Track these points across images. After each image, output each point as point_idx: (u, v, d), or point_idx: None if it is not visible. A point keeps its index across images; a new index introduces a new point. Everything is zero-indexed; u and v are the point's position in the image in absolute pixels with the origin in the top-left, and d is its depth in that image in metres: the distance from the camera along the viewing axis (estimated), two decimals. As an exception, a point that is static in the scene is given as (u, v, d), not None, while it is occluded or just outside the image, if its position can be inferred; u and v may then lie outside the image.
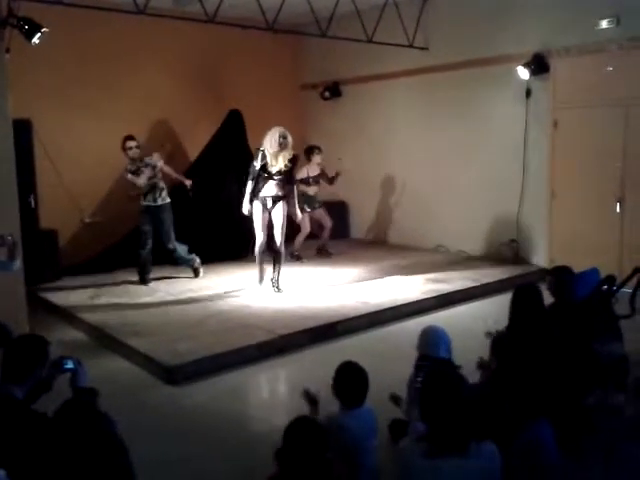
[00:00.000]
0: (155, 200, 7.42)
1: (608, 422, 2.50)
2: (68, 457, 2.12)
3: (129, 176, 7.35)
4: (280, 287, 7.04)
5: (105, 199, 8.85)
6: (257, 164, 6.69)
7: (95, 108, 8.62)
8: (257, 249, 6.98)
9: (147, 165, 7.37)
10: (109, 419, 2.28)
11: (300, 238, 8.92)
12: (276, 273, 7.02)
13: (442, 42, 8.77)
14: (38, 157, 7.80)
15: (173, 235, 7.55)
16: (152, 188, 7.39)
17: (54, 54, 7.92)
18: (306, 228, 8.89)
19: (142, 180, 7.30)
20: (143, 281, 7.54)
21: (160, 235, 7.48)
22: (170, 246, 7.55)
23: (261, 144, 6.74)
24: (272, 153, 6.64)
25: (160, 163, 7.45)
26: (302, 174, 8.76)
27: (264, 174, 6.71)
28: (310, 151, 8.94)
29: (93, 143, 8.57)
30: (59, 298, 7.04)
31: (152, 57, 9.08)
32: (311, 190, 8.90)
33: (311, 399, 3.19)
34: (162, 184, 7.49)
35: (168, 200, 7.52)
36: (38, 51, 7.09)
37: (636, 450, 2.18)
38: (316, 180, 8.93)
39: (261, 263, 7.02)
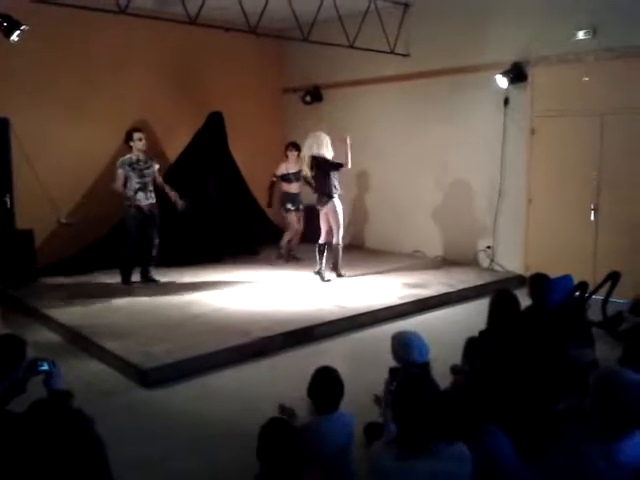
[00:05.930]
0: (147, 198, 7.43)
1: (576, 427, 2.53)
2: (41, 455, 2.10)
3: (120, 174, 7.27)
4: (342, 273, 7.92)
5: (82, 200, 8.77)
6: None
7: (74, 108, 8.56)
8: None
9: (150, 167, 7.45)
10: (83, 415, 2.26)
11: (286, 238, 8.85)
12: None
13: (423, 49, 8.84)
14: (15, 156, 7.72)
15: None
16: (143, 186, 7.38)
17: (33, 52, 7.84)
18: (294, 227, 8.80)
19: (129, 188, 7.30)
20: (127, 281, 7.49)
21: (150, 232, 7.48)
22: (157, 241, 7.55)
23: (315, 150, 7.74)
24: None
25: (156, 173, 7.57)
26: (281, 170, 8.72)
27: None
28: (285, 147, 8.89)
29: (71, 143, 8.51)
30: (34, 299, 6.96)
31: (133, 57, 9.02)
32: (293, 187, 8.71)
33: (288, 412, 3.20)
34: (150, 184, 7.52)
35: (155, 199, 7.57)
36: (17, 49, 7.04)
37: (596, 454, 2.21)
38: (297, 177, 8.69)
39: None
